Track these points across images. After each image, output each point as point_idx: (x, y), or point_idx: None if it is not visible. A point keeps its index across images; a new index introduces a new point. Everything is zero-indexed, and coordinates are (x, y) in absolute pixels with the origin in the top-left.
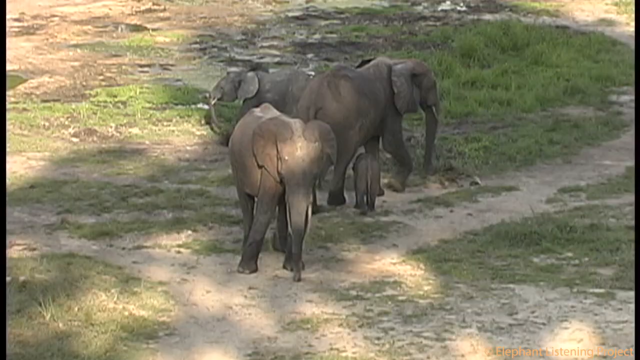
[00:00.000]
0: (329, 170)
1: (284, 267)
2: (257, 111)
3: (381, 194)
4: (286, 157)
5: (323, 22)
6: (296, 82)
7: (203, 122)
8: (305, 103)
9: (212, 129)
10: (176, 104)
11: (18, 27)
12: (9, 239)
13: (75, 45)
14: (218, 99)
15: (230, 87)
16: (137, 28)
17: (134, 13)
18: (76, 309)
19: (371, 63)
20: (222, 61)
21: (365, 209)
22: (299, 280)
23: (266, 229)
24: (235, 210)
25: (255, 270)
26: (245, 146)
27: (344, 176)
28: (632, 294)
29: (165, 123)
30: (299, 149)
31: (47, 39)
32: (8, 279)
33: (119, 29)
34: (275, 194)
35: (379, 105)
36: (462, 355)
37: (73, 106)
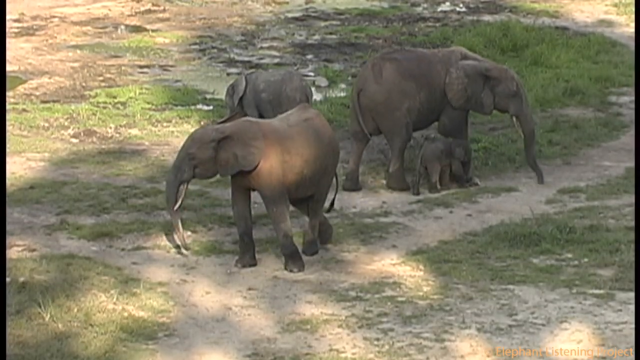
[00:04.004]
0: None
1: (285, 268)
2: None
3: (444, 184)
4: None
5: (323, 23)
6: (290, 83)
7: (202, 123)
8: (355, 84)
9: None
10: (176, 105)
11: (18, 27)
12: (9, 239)
13: (75, 46)
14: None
15: (229, 100)
16: (136, 29)
17: (133, 14)
18: (75, 309)
19: (449, 48)
20: (221, 62)
21: (414, 190)
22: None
23: (317, 228)
24: None
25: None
26: None
27: (401, 157)
28: (631, 294)
29: (164, 124)
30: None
31: (47, 40)
32: (7, 279)
33: (119, 29)
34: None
35: (433, 89)
36: (462, 356)
37: (72, 107)
